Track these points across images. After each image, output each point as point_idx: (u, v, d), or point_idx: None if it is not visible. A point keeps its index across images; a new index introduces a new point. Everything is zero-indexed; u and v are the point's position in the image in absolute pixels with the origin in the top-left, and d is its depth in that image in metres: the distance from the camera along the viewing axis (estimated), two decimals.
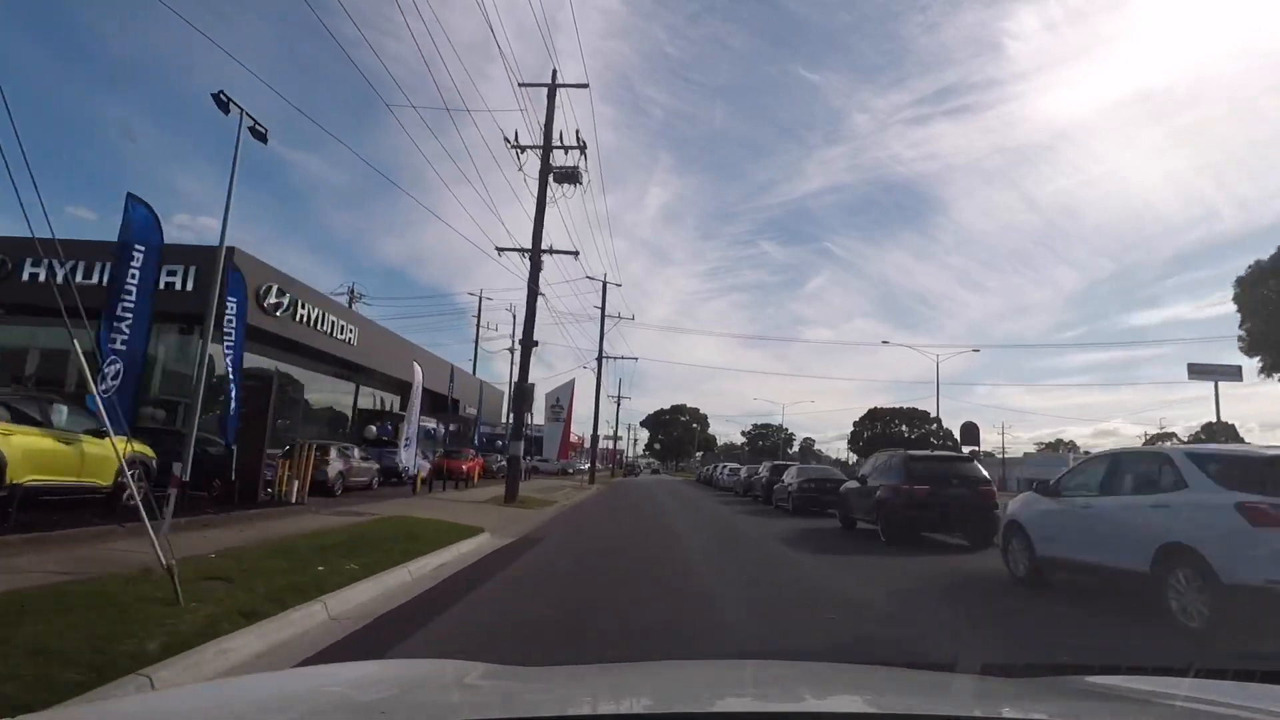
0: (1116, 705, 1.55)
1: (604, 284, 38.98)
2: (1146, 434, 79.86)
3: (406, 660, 2.56)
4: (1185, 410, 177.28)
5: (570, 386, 30.12)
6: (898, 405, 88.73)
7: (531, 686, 1.67)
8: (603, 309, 39.78)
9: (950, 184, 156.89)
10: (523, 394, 20.81)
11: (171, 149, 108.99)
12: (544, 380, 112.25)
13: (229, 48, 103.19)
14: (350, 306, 34.94)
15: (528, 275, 19.25)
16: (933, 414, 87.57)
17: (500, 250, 19.77)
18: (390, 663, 2.16)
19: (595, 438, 43.39)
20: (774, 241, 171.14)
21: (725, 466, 41.63)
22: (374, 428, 29.21)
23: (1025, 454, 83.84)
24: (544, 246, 19.62)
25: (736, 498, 29.91)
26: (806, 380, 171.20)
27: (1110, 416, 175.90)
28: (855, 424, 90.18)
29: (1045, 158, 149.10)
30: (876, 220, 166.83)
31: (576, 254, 21.82)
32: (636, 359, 38.69)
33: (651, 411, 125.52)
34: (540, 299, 19.44)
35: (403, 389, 26.90)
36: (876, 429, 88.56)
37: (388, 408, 30.74)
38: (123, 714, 1.49)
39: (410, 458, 19.41)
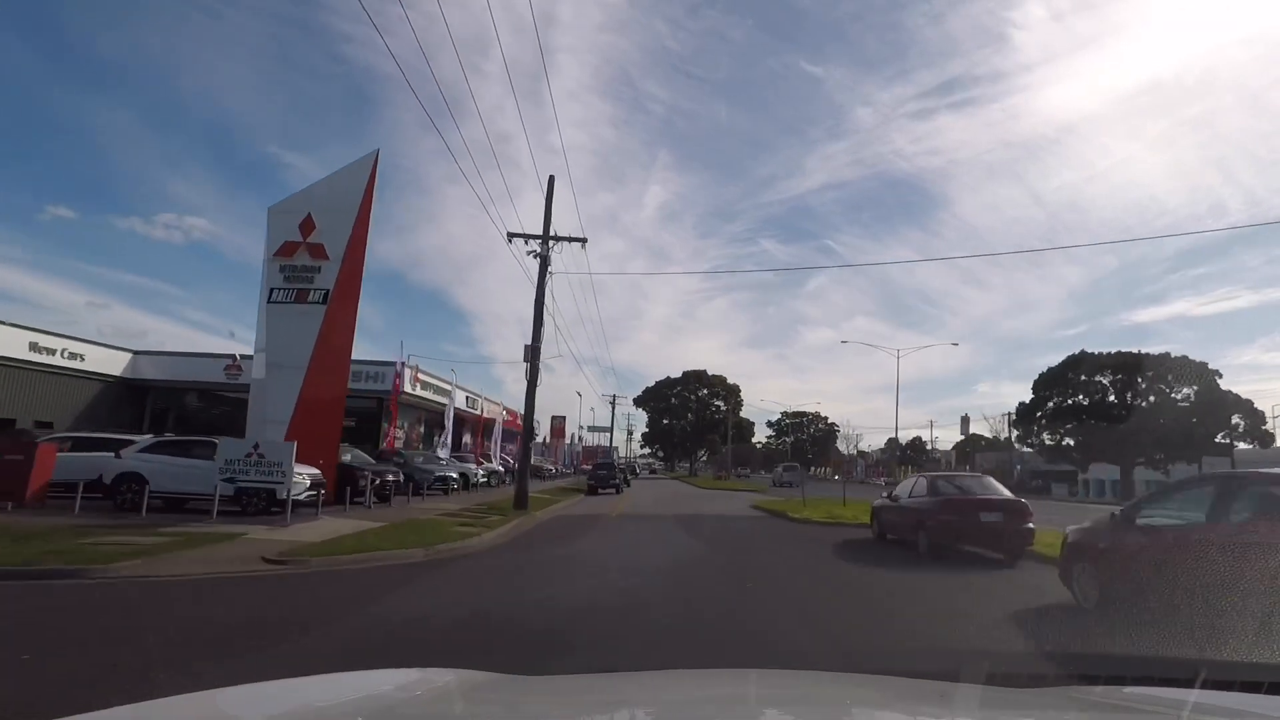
0: (1122, 716, 1.62)
1: None
2: None
3: (404, 670, 2.09)
4: None
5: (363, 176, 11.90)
6: (1111, 349, 60.53)
7: (533, 696, 1.73)
8: None
9: (954, 179, 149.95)
10: None
11: (159, 149, 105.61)
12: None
13: (220, 47, 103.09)
14: None
15: None
16: (1206, 364, 51.20)
17: None
18: (388, 672, 2.01)
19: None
20: (775, 239, 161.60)
21: None
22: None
23: None
24: None
25: None
26: (813, 381, 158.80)
27: None
28: (1037, 386, 63.99)
29: (1051, 151, 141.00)
30: (879, 216, 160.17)
31: None
32: None
33: (652, 383, 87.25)
34: None
35: None
36: (1072, 395, 64.36)
37: None
38: None
39: None
